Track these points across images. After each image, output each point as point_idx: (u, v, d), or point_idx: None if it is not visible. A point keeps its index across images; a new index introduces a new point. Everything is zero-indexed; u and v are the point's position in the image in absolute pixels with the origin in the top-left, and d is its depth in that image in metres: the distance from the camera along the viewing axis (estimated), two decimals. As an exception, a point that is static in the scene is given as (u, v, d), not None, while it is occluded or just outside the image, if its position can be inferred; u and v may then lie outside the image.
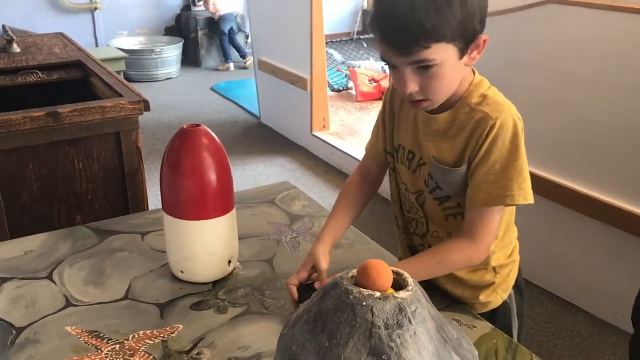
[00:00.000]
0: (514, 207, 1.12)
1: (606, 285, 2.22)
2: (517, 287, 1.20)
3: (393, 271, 0.68)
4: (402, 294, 0.64)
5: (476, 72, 1.07)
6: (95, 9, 6.20)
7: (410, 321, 0.62)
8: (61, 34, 2.85)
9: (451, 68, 0.97)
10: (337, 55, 5.84)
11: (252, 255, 1.29)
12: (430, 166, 1.08)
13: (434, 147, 1.07)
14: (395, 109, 1.17)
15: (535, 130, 2.32)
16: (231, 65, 6.36)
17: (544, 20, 2.21)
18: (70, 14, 6.10)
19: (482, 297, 1.14)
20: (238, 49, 6.40)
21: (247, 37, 6.43)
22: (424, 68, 0.95)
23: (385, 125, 1.19)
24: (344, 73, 5.30)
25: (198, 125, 1.15)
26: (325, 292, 0.68)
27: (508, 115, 1.00)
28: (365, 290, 0.64)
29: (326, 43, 4.33)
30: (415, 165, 1.12)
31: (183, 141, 1.13)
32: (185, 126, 1.15)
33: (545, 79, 2.25)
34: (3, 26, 2.66)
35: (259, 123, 4.70)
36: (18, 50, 2.44)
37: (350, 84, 5.04)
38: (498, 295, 1.16)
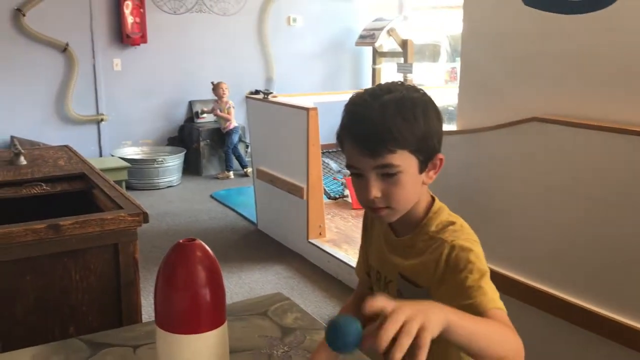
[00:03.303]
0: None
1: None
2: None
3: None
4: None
5: (436, 199, 1.14)
6: (102, 120, 6.46)
7: None
8: (66, 146, 2.96)
9: (411, 179, 1.05)
10: (334, 165, 6.02)
11: (243, 370, 1.29)
12: (397, 282, 1.12)
13: (396, 263, 1.13)
14: (368, 230, 1.24)
15: (524, 242, 2.37)
16: (231, 173, 6.53)
17: (528, 136, 2.32)
18: (78, 125, 6.34)
19: None
20: (239, 158, 6.60)
21: (247, 147, 6.65)
22: (388, 175, 1.03)
23: (364, 247, 1.25)
24: (340, 181, 5.43)
25: (194, 239, 1.20)
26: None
27: (464, 240, 1.06)
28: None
29: (322, 153, 4.49)
30: (382, 285, 1.17)
31: (178, 256, 1.17)
32: (181, 241, 1.19)
33: (531, 193, 2.32)
34: (12, 138, 2.77)
35: (256, 230, 4.75)
36: (25, 162, 2.53)
37: (347, 192, 5.15)
38: None
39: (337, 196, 5.20)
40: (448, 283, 1.04)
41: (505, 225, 2.45)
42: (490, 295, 1.02)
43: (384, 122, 1.00)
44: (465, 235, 1.07)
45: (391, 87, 1.07)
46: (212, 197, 5.78)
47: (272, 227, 4.59)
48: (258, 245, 4.42)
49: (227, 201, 5.58)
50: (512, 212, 2.41)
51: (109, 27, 6.39)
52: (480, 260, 1.05)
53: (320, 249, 3.94)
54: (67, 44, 6.13)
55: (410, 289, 1.11)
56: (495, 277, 2.45)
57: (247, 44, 7.14)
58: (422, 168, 1.06)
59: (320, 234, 4.09)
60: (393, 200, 1.05)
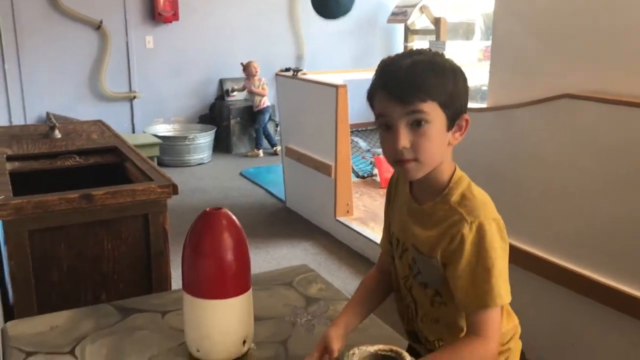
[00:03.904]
0: None
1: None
2: (518, 374, 1.20)
3: (392, 350, 0.71)
4: (399, 372, 0.67)
5: (457, 167, 1.14)
6: (134, 97, 6.55)
7: (406, 399, 0.65)
8: (99, 121, 3.03)
9: (439, 133, 1.07)
10: (363, 144, 6.01)
11: (267, 337, 1.32)
12: (412, 252, 1.14)
13: (415, 234, 1.15)
14: (391, 200, 1.25)
15: (554, 221, 2.34)
16: (261, 152, 6.58)
17: (559, 113, 2.28)
18: (111, 102, 6.45)
19: None
20: (269, 137, 6.64)
21: (276, 126, 6.68)
22: (417, 124, 1.05)
23: (387, 215, 1.27)
24: (369, 160, 5.42)
25: (220, 208, 1.22)
26: (328, 369, 0.71)
27: (484, 218, 1.07)
28: (364, 367, 0.67)
29: (352, 132, 4.49)
30: (400, 251, 1.19)
31: (205, 223, 1.20)
32: (207, 209, 1.22)
33: (561, 171, 2.29)
34: (47, 114, 2.85)
35: (284, 207, 4.79)
36: (59, 136, 2.60)
37: (375, 171, 5.15)
38: None
39: (366, 175, 5.20)
40: (461, 263, 1.06)
41: (534, 204, 2.42)
42: (495, 288, 1.05)
43: (416, 74, 1.05)
44: (485, 213, 1.08)
45: (421, 51, 1.12)
46: (241, 174, 5.84)
47: (300, 204, 4.63)
48: (286, 222, 4.47)
49: (257, 179, 5.64)
50: (541, 190, 2.38)
51: (142, 5, 6.44)
52: (495, 242, 1.06)
53: (348, 226, 3.95)
54: (100, 22, 6.22)
55: (423, 259, 1.13)
56: (521, 255, 2.44)
57: (278, 22, 7.13)
58: (449, 125, 1.08)
59: (347, 211, 4.11)
60: (420, 152, 1.06)
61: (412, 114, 1.05)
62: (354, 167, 4.92)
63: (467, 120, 1.11)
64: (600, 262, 2.18)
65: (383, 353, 0.71)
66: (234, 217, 1.23)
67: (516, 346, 1.22)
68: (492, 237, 1.06)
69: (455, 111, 1.08)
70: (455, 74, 1.09)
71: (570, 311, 2.34)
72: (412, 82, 1.05)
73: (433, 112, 1.05)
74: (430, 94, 1.05)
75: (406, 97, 1.05)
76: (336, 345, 1.12)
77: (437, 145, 1.08)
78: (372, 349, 0.71)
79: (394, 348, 0.71)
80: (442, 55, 1.11)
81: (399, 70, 1.06)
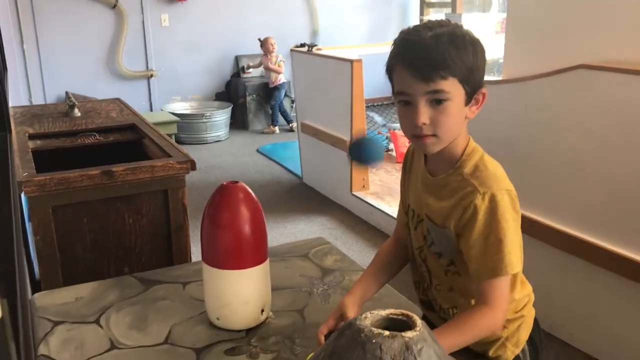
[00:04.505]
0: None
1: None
2: (531, 341, 1.22)
3: (403, 314, 0.74)
4: (409, 333, 0.70)
5: (471, 139, 1.16)
6: (152, 76, 6.60)
7: (416, 358, 0.68)
8: (118, 99, 3.07)
9: (458, 109, 1.08)
10: (378, 118, 6.00)
11: (284, 306, 1.36)
12: (427, 223, 1.16)
13: (429, 205, 1.17)
14: (407, 172, 1.27)
15: (571, 193, 2.35)
16: (277, 128, 6.60)
17: (575, 84, 2.27)
18: (128, 80, 6.50)
19: (492, 352, 1.18)
20: (284, 114, 6.65)
21: (292, 102, 6.68)
22: (437, 102, 1.06)
23: (404, 187, 1.29)
24: (385, 135, 5.42)
25: (237, 182, 1.26)
26: (341, 332, 0.74)
27: (496, 189, 1.08)
28: (375, 329, 0.71)
29: (367, 107, 4.48)
30: (415, 222, 1.21)
31: (222, 196, 1.23)
32: (225, 183, 1.25)
33: (579, 142, 2.29)
34: (67, 93, 2.89)
35: (301, 183, 4.83)
36: (79, 114, 2.65)
37: (391, 146, 5.15)
38: (508, 350, 1.19)
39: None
40: (473, 233, 1.08)
41: (550, 175, 2.42)
42: (507, 257, 1.06)
43: (438, 49, 1.03)
44: (498, 184, 1.09)
45: (442, 22, 1.10)
46: (258, 151, 5.88)
47: (317, 180, 4.66)
48: (303, 197, 4.51)
49: (273, 155, 5.67)
50: (558, 161, 2.38)
51: (156, -17, 6.46)
52: (507, 213, 1.07)
53: (364, 201, 3.98)
54: (116, 1, 6.24)
55: (437, 229, 1.15)
56: (537, 226, 2.44)
57: (292, -3, 7.09)
58: (468, 100, 1.09)
59: (363, 186, 4.13)
60: (439, 128, 1.08)
61: (433, 93, 1.05)
62: (370, 142, 4.90)
63: (484, 94, 1.11)
64: (617, 233, 2.19)
65: (395, 317, 0.74)
66: (250, 190, 1.26)
67: (529, 313, 1.25)
68: (505, 207, 1.08)
69: (474, 86, 1.09)
70: (475, 47, 1.08)
71: (587, 284, 2.35)
72: (434, 59, 1.04)
73: (453, 89, 1.06)
74: (451, 70, 1.04)
75: (428, 74, 1.04)
76: (352, 313, 1.16)
77: (456, 121, 1.09)
78: (384, 312, 0.74)
79: (405, 312, 0.74)
80: (462, 27, 1.10)
81: (420, 46, 1.05)
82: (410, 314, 0.75)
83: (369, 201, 3.94)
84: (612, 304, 2.27)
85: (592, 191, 2.27)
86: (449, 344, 1.03)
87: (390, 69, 1.11)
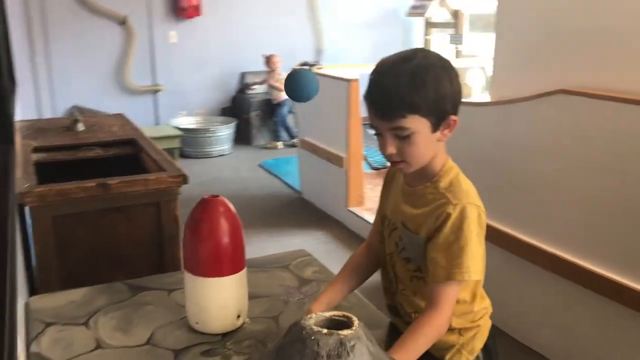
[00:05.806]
0: (480, 281, 1.26)
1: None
2: (486, 350, 1.31)
3: (344, 315, 0.84)
4: (345, 331, 0.80)
5: (450, 159, 1.25)
6: (158, 91, 6.75)
7: (348, 354, 0.77)
8: (120, 114, 3.20)
9: (424, 138, 1.17)
10: (379, 136, 6.09)
11: (260, 313, 1.46)
12: (400, 230, 1.26)
13: (405, 212, 1.26)
14: (388, 187, 1.37)
15: (547, 210, 2.43)
16: (280, 143, 6.72)
17: (553, 108, 2.36)
18: (136, 95, 6.65)
19: (448, 357, 1.27)
20: (288, 130, 6.77)
21: (296, 117, 6.81)
22: (401, 135, 1.15)
23: (383, 197, 1.38)
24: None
25: (217, 196, 1.36)
26: (289, 329, 0.84)
27: (467, 203, 1.18)
28: (316, 327, 0.80)
29: (365, 124, 4.59)
30: (390, 230, 1.30)
31: (203, 209, 1.34)
32: (205, 196, 1.36)
33: (559, 164, 2.37)
34: (74, 107, 3.02)
35: (300, 198, 4.93)
36: (82, 128, 2.77)
37: (389, 164, 5.24)
38: (463, 356, 1.28)
39: (380, 167, 5.30)
40: (439, 238, 1.17)
41: (533, 197, 2.51)
42: (465, 264, 1.15)
43: (397, 91, 1.13)
44: (469, 199, 1.19)
45: (409, 55, 1.18)
46: (260, 165, 5.99)
47: (315, 195, 4.76)
48: (301, 212, 4.61)
49: (275, 170, 5.78)
50: (539, 184, 2.47)
51: (165, 0, 6.63)
52: (472, 226, 1.17)
53: (359, 216, 4.07)
54: (125, 17, 6.41)
55: (409, 235, 1.25)
56: (522, 245, 2.52)
57: (298, 16, 7.24)
58: (435, 128, 1.17)
59: (359, 202, 4.23)
60: (407, 156, 1.18)
61: (395, 129, 1.15)
62: (368, 158, 5.03)
63: (454, 121, 1.19)
64: (598, 254, 2.25)
65: (337, 318, 0.84)
66: (229, 204, 1.36)
67: (486, 324, 1.33)
68: (472, 220, 1.17)
69: (440, 115, 1.16)
70: (438, 80, 1.14)
71: (566, 300, 2.43)
72: (391, 101, 1.13)
73: (415, 124, 1.14)
74: (411, 108, 1.13)
75: (387, 114, 1.15)
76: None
77: (424, 148, 1.18)
78: (328, 314, 0.84)
79: (347, 314, 0.83)
80: (432, 56, 1.18)
81: (381, 87, 1.15)
82: (350, 315, 0.85)
83: (364, 217, 4.04)
84: (587, 320, 2.34)
85: (571, 210, 2.35)
86: (410, 353, 1.12)
87: (364, 100, 1.22)
